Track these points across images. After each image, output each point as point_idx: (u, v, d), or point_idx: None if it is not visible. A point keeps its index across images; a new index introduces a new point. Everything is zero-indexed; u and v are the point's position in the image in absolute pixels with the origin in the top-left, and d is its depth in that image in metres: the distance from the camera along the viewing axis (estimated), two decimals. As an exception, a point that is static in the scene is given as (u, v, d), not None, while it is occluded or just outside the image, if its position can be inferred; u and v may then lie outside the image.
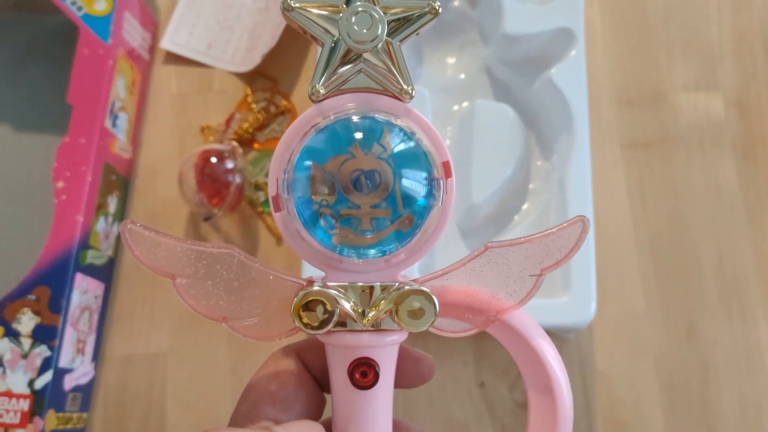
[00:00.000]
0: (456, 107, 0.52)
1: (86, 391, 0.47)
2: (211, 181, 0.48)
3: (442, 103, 0.51)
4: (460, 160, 0.49)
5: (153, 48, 0.55)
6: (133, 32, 0.51)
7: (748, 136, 0.53)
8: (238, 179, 0.48)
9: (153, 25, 0.55)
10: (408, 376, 0.25)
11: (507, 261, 0.23)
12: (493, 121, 0.49)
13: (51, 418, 0.42)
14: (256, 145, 0.53)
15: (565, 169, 0.46)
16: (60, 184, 0.44)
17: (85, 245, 0.45)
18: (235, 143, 0.50)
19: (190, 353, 0.49)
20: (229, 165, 0.48)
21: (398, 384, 0.25)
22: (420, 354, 0.25)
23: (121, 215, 0.51)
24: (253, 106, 0.53)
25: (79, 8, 0.47)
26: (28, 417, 0.42)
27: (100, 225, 0.47)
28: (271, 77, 0.54)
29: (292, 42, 0.54)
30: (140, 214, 0.52)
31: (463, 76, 0.53)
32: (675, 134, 0.53)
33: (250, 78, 0.54)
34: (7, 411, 0.42)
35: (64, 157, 0.45)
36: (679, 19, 0.56)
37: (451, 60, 0.53)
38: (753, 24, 0.56)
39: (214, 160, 0.48)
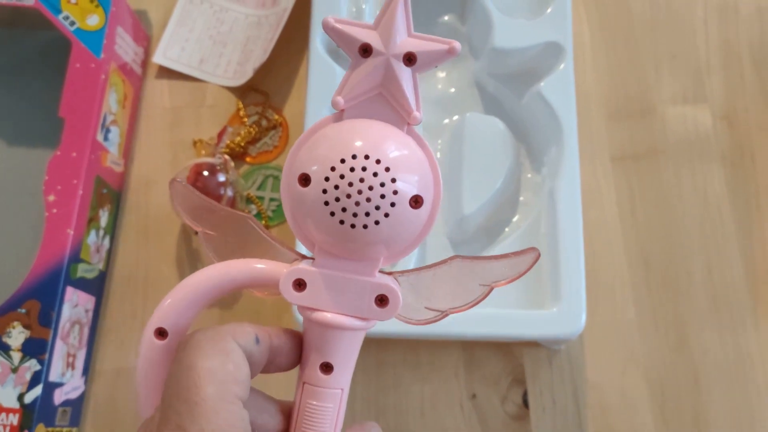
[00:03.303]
0: (447, 120, 0.52)
1: (76, 406, 0.46)
2: (203, 194, 0.48)
3: (432, 116, 0.52)
4: (451, 172, 0.49)
5: (145, 62, 0.55)
6: (125, 47, 0.51)
7: (736, 148, 0.53)
8: (230, 192, 0.49)
9: (145, 40, 0.56)
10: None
11: (465, 272, 0.26)
12: (483, 133, 0.49)
13: (40, 432, 0.42)
14: (248, 159, 0.53)
15: (554, 181, 0.46)
16: (51, 198, 0.45)
17: (75, 258, 0.45)
18: (227, 156, 0.50)
19: (181, 367, 0.48)
20: (221, 178, 0.49)
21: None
22: None
23: (112, 229, 0.51)
24: (245, 120, 0.53)
25: (72, 23, 0.48)
26: (18, 431, 0.41)
27: (91, 238, 0.47)
28: (263, 92, 0.55)
29: (284, 57, 0.55)
30: (132, 227, 0.52)
31: (453, 89, 0.53)
32: (663, 146, 0.54)
33: (242, 92, 0.54)
34: (-4, 425, 0.41)
35: (56, 170, 0.45)
36: (666, 32, 0.56)
37: (441, 74, 0.54)
38: (740, 37, 0.56)
39: (206, 173, 0.48)
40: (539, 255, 0.26)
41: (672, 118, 0.54)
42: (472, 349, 0.49)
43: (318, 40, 0.48)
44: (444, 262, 0.26)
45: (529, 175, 0.50)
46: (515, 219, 0.49)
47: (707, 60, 0.56)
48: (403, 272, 0.26)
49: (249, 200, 0.52)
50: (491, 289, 0.26)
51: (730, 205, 0.52)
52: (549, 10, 0.49)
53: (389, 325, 0.43)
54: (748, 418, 0.47)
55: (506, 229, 0.49)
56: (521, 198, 0.50)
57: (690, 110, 0.54)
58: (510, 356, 0.49)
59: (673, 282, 0.50)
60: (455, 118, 0.52)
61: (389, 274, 0.26)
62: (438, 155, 0.51)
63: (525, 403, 0.48)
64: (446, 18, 0.54)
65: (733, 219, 0.52)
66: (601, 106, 0.54)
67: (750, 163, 0.53)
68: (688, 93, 0.55)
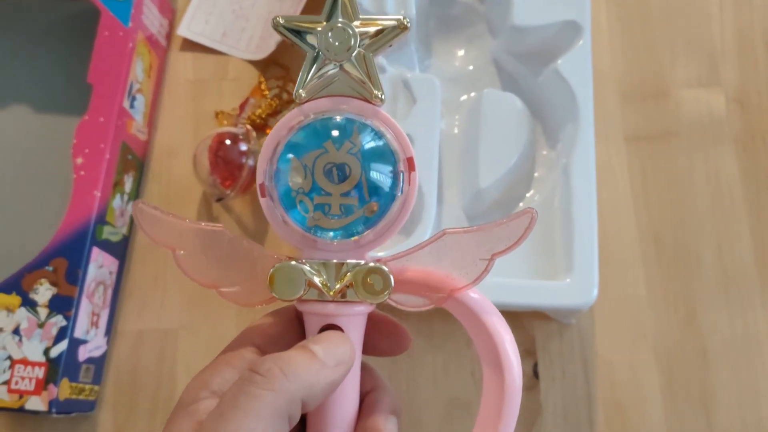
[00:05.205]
0: (464, 97, 0.53)
1: (99, 364, 0.48)
2: (224, 163, 0.50)
3: (451, 93, 0.53)
4: (468, 147, 0.50)
5: (170, 35, 0.56)
6: (152, 18, 0.53)
7: (748, 132, 0.54)
8: (251, 162, 0.50)
9: (170, 13, 0.57)
10: (384, 344, 0.28)
11: (461, 246, 0.25)
12: (500, 110, 0.50)
13: (65, 386, 0.43)
14: (268, 131, 0.54)
15: (569, 157, 0.47)
16: (79, 161, 0.46)
17: (102, 220, 0.46)
18: (249, 126, 0.51)
19: (200, 329, 0.50)
20: (243, 147, 0.50)
21: (376, 351, 0.27)
22: (397, 325, 0.28)
23: (136, 194, 0.52)
24: (266, 92, 0.55)
25: (101, -8, 0.49)
26: (43, 384, 0.43)
27: (117, 202, 0.48)
28: (284, 65, 0.56)
29: (306, 32, 0.56)
30: (155, 194, 0.53)
31: (471, 67, 0.54)
32: (677, 129, 0.54)
33: (264, 66, 0.56)
34: (23, 378, 0.43)
35: (84, 134, 0.46)
36: (682, 16, 0.57)
37: (460, 52, 0.55)
38: (754, 23, 0.57)
39: (228, 142, 0.49)
40: (534, 217, 0.25)
41: (686, 101, 0.55)
42: (484, 320, 0.50)
43: (340, 15, 0.49)
44: (434, 239, 0.26)
45: (545, 152, 0.51)
46: (529, 194, 0.50)
47: (722, 45, 0.57)
48: (392, 257, 0.26)
49: (269, 171, 0.53)
50: (492, 260, 0.25)
51: (742, 186, 0.53)
52: (568, -11, 0.50)
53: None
54: (754, 395, 0.48)
55: (520, 204, 0.50)
56: (536, 174, 0.51)
57: (704, 93, 0.55)
58: (521, 328, 0.50)
59: (684, 261, 0.51)
60: (473, 94, 0.53)
61: (378, 260, 0.26)
62: (455, 131, 0.52)
63: (535, 374, 0.49)
64: (466, -3, 0.55)
65: (745, 200, 0.52)
66: (617, 87, 0.55)
67: (762, 145, 0.54)
68: (702, 77, 0.56)
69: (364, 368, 0.27)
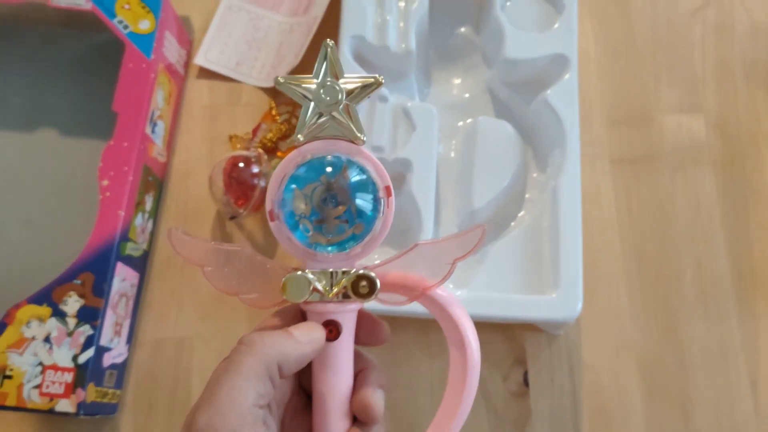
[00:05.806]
0: (461, 123, 0.57)
1: (120, 370, 0.52)
2: (238, 183, 0.54)
3: (448, 119, 0.57)
4: (463, 170, 0.54)
5: (188, 64, 0.60)
6: (171, 49, 0.57)
7: (726, 155, 0.58)
8: (262, 183, 0.54)
9: (188, 44, 0.61)
10: (367, 335, 0.34)
11: (430, 254, 0.32)
12: (493, 135, 0.54)
13: (91, 390, 0.47)
14: (279, 153, 0.58)
15: (557, 180, 0.51)
16: (105, 182, 0.50)
17: (125, 237, 0.50)
18: (260, 150, 0.55)
19: (213, 338, 0.54)
20: (255, 169, 0.54)
21: (360, 341, 0.33)
22: (376, 321, 0.34)
23: (155, 213, 0.56)
24: (277, 118, 0.59)
25: (125, 27, 0.53)
26: (72, 388, 0.46)
27: (138, 221, 0.52)
28: (293, 92, 0.60)
29: (314, 61, 0.60)
30: (172, 213, 0.57)
31: (467, 95, 0.58)
32: (660, 152, 0.58)
33: (275, 92, 0.60)
34: (53, 382, 0.46)
35: (109, 158, 0.50)
36: (666, 47, 0.61)
37: (456, 81, 0.59)
38: (734, 53, 0.61)
39: (241, 165, 0.53)
40: (485, 231, 0.32)
41: (668, 126, 0.59)
42: (477, 331, 0.53)
43: (346, 47, 0.53)
44: (408, 250, 0.32)
45: (535, 175, 0.55)
46: (521, 214, 0.54)
47: (703, 73, 0.60)
48: (375, 266, 0.32)
49: (279, 191, 0.57)
50: (455, 264, 0.32)
51: (720, 207, 0.56)
52: (557, 25, 0.54)
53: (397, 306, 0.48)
54: (729, 401, 0.52)
55: (512, 224, 0.54)
56: (527, 195, 0.55)
57: (685, 119, 0.59)
58: (512, 339, 0.53)
59: (665, 276, 0.55)
60: (468, 121, 0.57)
61: (366, 268, 0.32)
62: (452, 154, 0.56)
63: (525, 381, 0.52)
64: (462, 30, 0.59)
65: (722, 220, 0.56)
66: (604, 113, 0.59)
67: (739, 168, 0.57)
68: (684, 103, 0.59)
69: (357, 354, 0.34)
